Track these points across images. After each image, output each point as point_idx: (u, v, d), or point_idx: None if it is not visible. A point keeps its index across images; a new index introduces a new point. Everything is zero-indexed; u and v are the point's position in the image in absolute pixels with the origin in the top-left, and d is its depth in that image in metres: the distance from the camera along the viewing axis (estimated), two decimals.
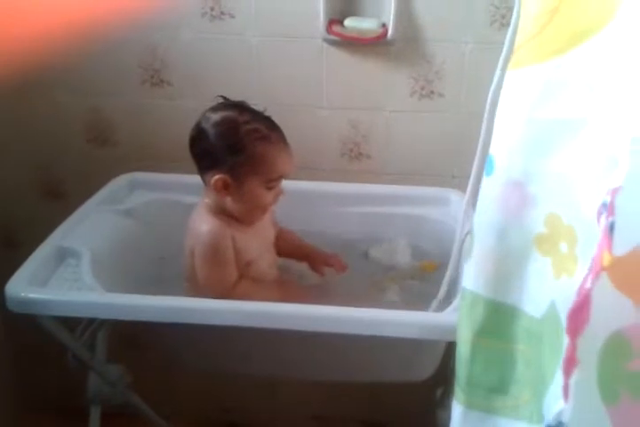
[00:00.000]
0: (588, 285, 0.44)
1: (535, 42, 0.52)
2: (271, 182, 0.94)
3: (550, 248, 0.54)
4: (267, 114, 0.96)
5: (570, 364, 0.45)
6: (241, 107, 0.95)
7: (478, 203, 0.62)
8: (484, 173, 0.60)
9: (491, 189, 0.59)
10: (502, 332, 0.61)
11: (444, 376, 1.00)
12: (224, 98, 0.97)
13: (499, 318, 0.61)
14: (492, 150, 0.59)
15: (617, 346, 0.44)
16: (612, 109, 0.46)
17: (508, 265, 0.59)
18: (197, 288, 0.95)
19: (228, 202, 0.95)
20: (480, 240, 0.61)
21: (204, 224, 0.95)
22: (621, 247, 0.42)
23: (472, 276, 0.63)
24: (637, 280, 0.42)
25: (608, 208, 0.42)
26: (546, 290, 0.54)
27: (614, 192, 0.42)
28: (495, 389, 0.62)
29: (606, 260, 0.43)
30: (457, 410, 0.66)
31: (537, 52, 0.52)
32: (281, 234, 1.09)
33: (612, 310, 0.44)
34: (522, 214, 0.57)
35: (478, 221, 0.62)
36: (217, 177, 0.92)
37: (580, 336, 0.44)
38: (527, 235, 0.57)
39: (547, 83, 0.52)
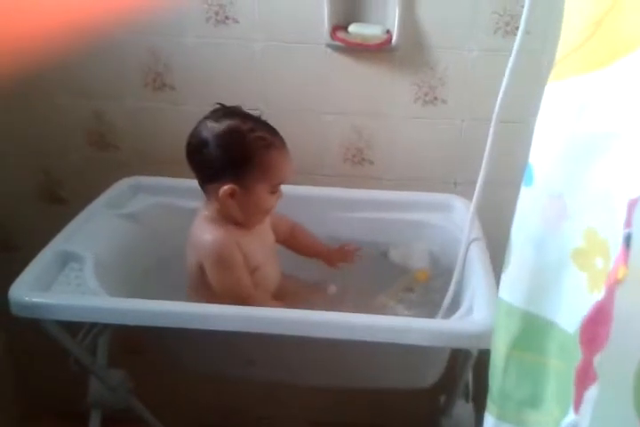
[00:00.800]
0: (601, 298, 0.44)
1: (578, 54, 0.52)
2: (275, 187, 0.96)
3: (587, 263, 0.53)
4: (265, 118, 0.96)
5: (584, 378, 0.45)
6: (242, 114, 0.94)
7: (516, 213, 0.61)
8: (523, 183, 0.59)
9: (530, 199, 0.58)
10: (536, 345, 0.60)
11: (447, 383, 1.00)
12: (221, 105, 0.96)
13: (533, 331, 0.60)
14: (532, 161, 0.58)
15: None
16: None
17: (544, 278, 0.58)
18: (212, 299, 0.94)
19: (233, 209, 0.94)
20: (517, 251, 0.60)
21: (206, 234, 0.94)
22: None
23: (508, 286, 0.62)
24: None
25: (626, 220, 0.42)
26: (580, 305, 0.53)
27: (632, 204, 0.42)
28: (527, 402, 0.61)
29: (621, 273, 0.42)
30: (488, 422, 0.65)
31: (580, 63, 0.52)
32: (294, 230, 1.10)
33: None
34: (560, 227, 0.56)
35: (515, 233, 0.61)
36: (226, 187, 0.91)
37: (601, 352, 0.44)
38: (565, 248, 0.56)
39: (589, 95, 0.51)
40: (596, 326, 0.44)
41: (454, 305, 0.89)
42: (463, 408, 1.02)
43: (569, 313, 0.56)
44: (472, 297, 0.83)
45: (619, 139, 0.50)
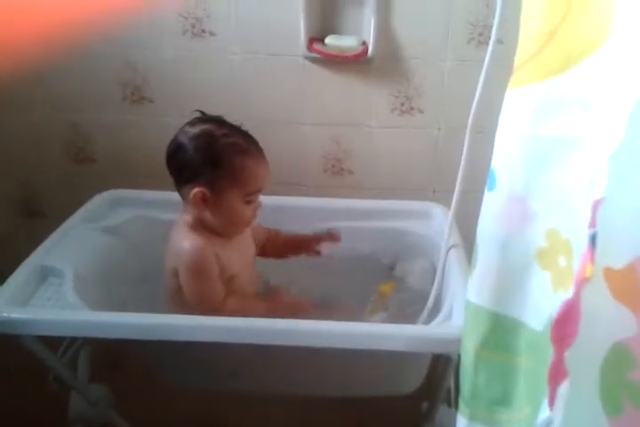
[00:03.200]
0: (570, 295, 0.45)
1: (533, 62, 0.54)
2: (249, 196, 0.94)
3: (550, 262, 0.55)
4: (245, 129, 0.96)
5: (557, 375, 0.46)
6: (218, 121, 0.95)
7: (480, 217, 0.62)
8: (486, 188, 0.61)
9: (493, 203, 0.60)
10: (505, 344, 0.61)
11: (429, 389, 1.01)
12: (201, 113, 0.97)
13: (502, 331, 0.61)
14: (494, 166, 0.60)
15: (619, 357, 0.45)
16: (603, 127, 0.48)
17: (510, 279, 0.60)
18: (184, 307, 0.94)
19: (207, 216, 0.94)
20: (483, 254, 0.62)
21: (185, 242, 0.94)
22: (620, 260, 0.43)
23: (475, 289, 0.63)
24: (636, 292, 0.43)
25: (590, 220, 0.43)
26: (546, 304, 0.55)
27: (596, 204, 0.44)
28: (498, 402, 0.63)
29: (588, 271, 0.43)
30: (461, 423, 0.66)
31: (535, 71, 0.54)
32: (269, 234, 1.09)
33: (613, 322, 0.44)
34: (523, 229, 0.58)
35: (480, 236, 0.63)
36: (195, 190, 0.91)
37: (570, 348, 0.45)
38: (528, 249, 0.58)
39: (545, 101, 0.54)
40: (565, 323, 0.45)
41: (435, 311, 0.90)
42: (445, 413, 1.01)
43: (536, 312, 0.58)
44: (451, 303, 0.83)
45: (577, 142, 0.51)
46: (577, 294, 0.44)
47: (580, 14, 0.49)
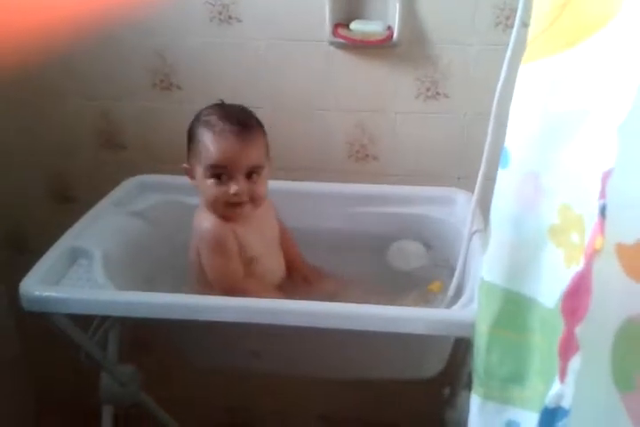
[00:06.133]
0: (581, 268, 0.45)
1: (546, 36, 0.53)
2: (210, 170, 0.93)
3: (563, 239, 0.55)
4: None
5: (568, 349, 0.46)
6: (227, 106, 0.98)
7: (494, 195, 0.63)
8: (500, 165, 0.61)
9: (506, 181, 0.60)
10: (518, 322, 0.62)
11: (451, 374, 1.01)
12: (221, 101, 1.00)
13: (515, 309, 0.61)
14: (507, 143, 0.60)
15: (631, 332, 0.45)
16: (611, 98, 0.47)
17: (523, 256, 0.60)
18: (206, 287, 0.96)
19: (199, 191, 0.98)
20: (496, 232, 0.62)
21: (204, 222, 0.97)
22: (632, 235, 0.43)
23: (489, 267, 0.64)
24: None
25: (600, 191, 0.43)
26: (558, 280, 0.54)
27: (606, 175, 0.43)
28: (511, 379, 0.63)
29: (598, 243, 0.43)
30: (475, 402, 0.67)
31: (548, 45, 0.54)
32: (283, 234, 1.10)
33: (625, 298, 0.44)
34: (536, 205, 0.58)
35: (494, 214, 0.63)
36: (183, 166, 0.99)
37: (582, 322, 0.45)
38: (542, 226, 0.58)
39: (558, 75, 0.53)
40: (577, 297, 0.45)
41: (458, 295, 0.90)
42: (467, 398, 1.02)
43: (548, 289, 0.57)
44: (473, 287, 0.83)
45: (588, 116, 0.51)
46: (587, 266, 0.44)
47: None
